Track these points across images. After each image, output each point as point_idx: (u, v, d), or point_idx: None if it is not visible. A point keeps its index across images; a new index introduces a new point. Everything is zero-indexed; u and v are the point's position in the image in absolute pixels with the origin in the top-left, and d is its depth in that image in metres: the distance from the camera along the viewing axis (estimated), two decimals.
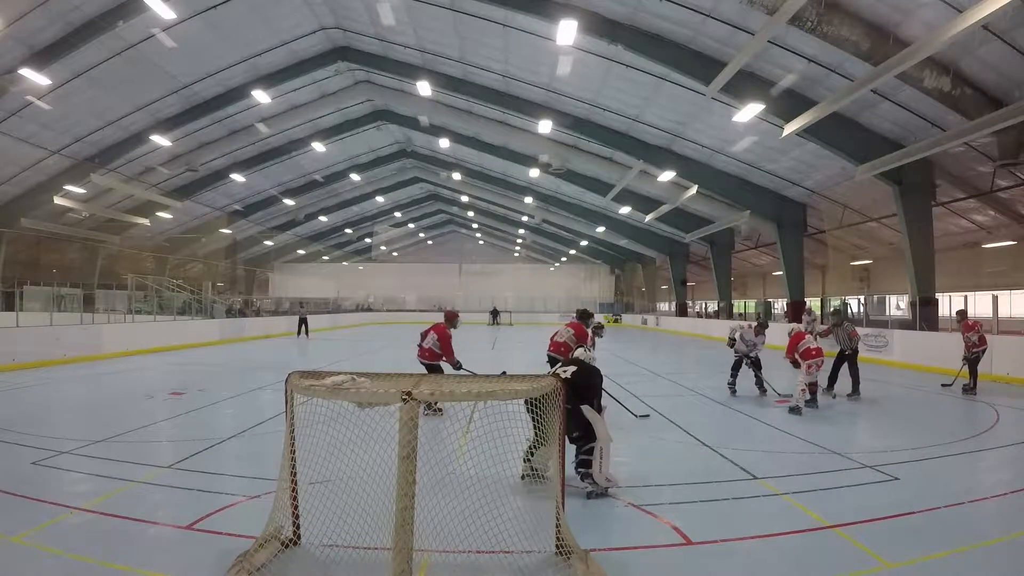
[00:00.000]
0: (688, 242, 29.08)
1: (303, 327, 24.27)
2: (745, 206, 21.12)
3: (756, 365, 9.52)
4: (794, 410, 7.94)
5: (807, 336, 8.62)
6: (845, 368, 9.51)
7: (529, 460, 4.47)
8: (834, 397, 9.28)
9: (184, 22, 15.46)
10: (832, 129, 14.24)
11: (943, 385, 10.30)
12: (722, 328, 25.29)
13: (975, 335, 9.74)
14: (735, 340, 9.64)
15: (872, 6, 10.60)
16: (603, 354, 7.75)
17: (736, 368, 9.68)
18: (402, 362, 12.31)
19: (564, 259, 49.41)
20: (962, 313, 10.42)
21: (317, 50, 19.47)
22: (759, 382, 9.48)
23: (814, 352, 8.26)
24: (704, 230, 25.21)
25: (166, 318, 21.15)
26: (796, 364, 8.44)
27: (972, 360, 9.75)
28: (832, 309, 9.75)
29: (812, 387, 8.24)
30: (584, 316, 8.06)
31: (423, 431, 3.06)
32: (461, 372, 7.17)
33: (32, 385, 10.07)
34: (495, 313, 38.30)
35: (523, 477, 4.50)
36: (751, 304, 37.21)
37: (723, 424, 7.55)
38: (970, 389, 9.70)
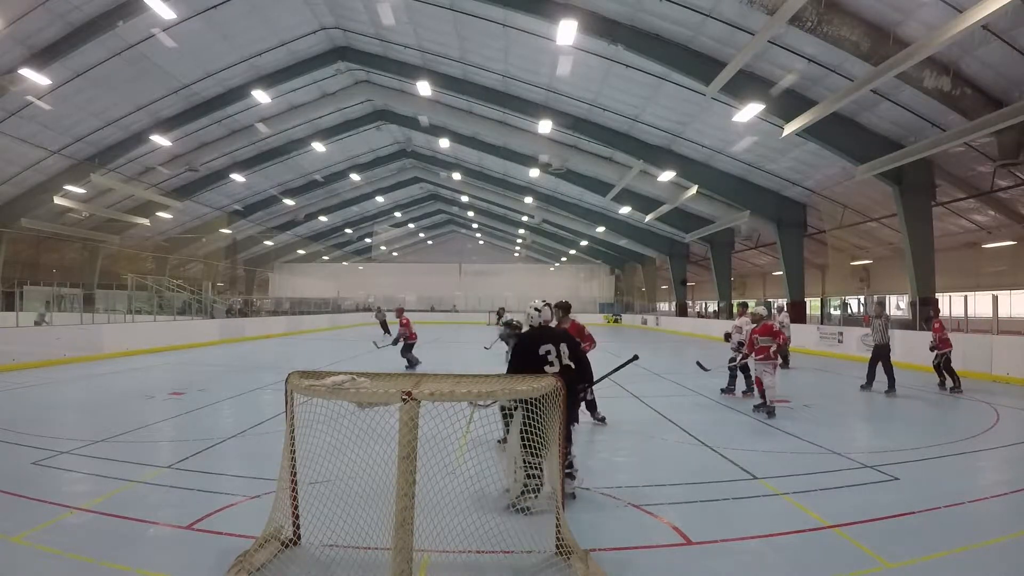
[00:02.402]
0: (688, 242, 29.08)
1: (387, 329, 20.85)
2: (745, 206, 21.12)
3: (745, 367, 9.30)
4: (771, 412, 7.62)
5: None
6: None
7: (526, 487, 4.00)
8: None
9: (184, 22, 15.47)
10: (832, 129, 14.24)
11: (950, 390, 9.90)
12: (721, 328, 25.31)
13: (938, 337, 9.84)
14: (729, 334, 9.93)
15: (872, 6, 10.60)
16: (603, 354, 7.69)
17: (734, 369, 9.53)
18: (402, 361, 12.34)
19: (564, 259, 49.43)
20: (937, 310, 10.79)
21: (317, 50, 19.48)
22: (747, 381, 9.37)
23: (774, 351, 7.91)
24: (704, 230, 25.21)
25: (166, 318, 21.16)
26: (751, 348, 7.90)
27: (945, 362, 9.83)
28: (876, 300, 9.78)
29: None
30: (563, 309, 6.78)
31: (423, 431, 3.06)
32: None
33: (32, 385, 10.07)
34: (501, 313, 38.34)
35: (520, 509, 3.98)
36: (751, 304, 37.18)
37: (723, 424, 7.54)
38: (955, 388, 9.68)
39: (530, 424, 3.57)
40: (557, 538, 3.42)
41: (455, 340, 23.76)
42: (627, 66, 15.19)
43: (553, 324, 5.13)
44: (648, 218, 26.32)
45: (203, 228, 33.81)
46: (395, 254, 52.28)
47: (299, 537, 3.60)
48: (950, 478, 5.17)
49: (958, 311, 13.82)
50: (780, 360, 10.58)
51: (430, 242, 53.11)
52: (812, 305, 24.64)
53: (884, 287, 27.19)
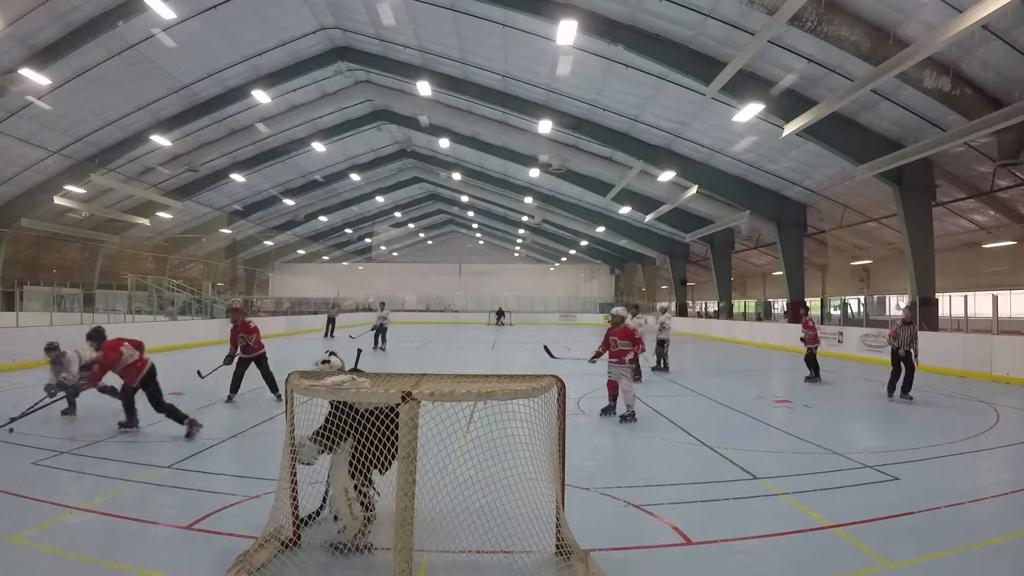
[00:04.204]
0: (688, 242, 29.08)
1: (331, 327, 24.06)
2: (745, 206, 21.12)
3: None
4: (626, 418, 7.22)
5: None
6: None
7: (367, 519, 3.59)
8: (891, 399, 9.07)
9: (184, 22, 15.46)
10: (832, 129, 14.25)
11: (806, 379, 11.25)
12: (722, 328, 25.32)
13: (809, 332, 11.08)
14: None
15: (872, 6, 10.60)
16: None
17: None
18: (402, 361, 12.36)
19: (564, 259, 49.42)
20: (806, 308, 12.41)
21: (317, 50, 19.47)
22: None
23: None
24: (704, 230, 25.21)
25: (166, 318, 21.14)
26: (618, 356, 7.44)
27: (811, 355, 11.12)
28: (907, 305, 9.36)
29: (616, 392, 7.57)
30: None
31: (423, 431, 3.06)
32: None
33: (32, 385, 10.05)
34: (500, 313, 38.46)
35: (362, 547, 3.52)
36: (751, 304, 37.22)
37: (723, 424, 7.55)
38: (813, 378, 11.02)
39: (364, 446, 3.37)
40: (557, 538, 3.42)
41: (460, 340, 23.75)
42: (627, 66, 15.19)
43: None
44: (648, 218, 26.31)
45: (203, 228, 33.80)
46: (395, 254, 52.25)
47: (299, 537, 3.60)
48: (950, 478, 5.17)
49: (958, 311, 13.82)
50: (662, 363, 12.71)
51: (430, 242, 53.08)
52: (812, 305, 24.59)
53: (884, 287, 27.17)
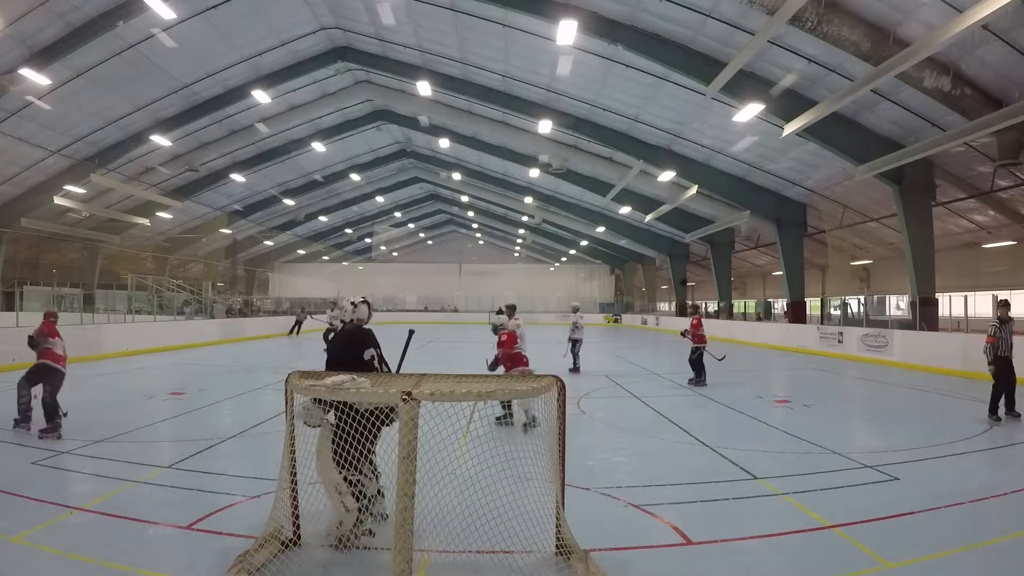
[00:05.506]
0: (688, 242, 29.08)
1: (297, 327, 25.07)
2: (745, 206, 21.12)
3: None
4: (529, 425, 6.44)
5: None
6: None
7: (361, 511, 3.63)
8: (999, 420, 7.29)
9: (184, 22, 15.45)
10: (832, 129, 14.24)
11: (690, 381, 10.73)
12: (722, 328, 25.30)
13: (692, 330, 10.79)
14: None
15: (872, 6, 10.60)
16: (604, 354, 7.73)
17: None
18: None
19: (564, 259, 49.42)
20: (695, 308, 11.45)
21: (317, 50, 19.47)
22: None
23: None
24: (704, 230, 25.21)
25: (166, 318, 21.16)
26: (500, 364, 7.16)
27: (697, 357, 10.61)
28: (1002, 301, 7.62)
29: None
30: None
31: (423, 431, 3.06)
32: None
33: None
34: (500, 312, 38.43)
35: (365, 532, 3.61)
36: (751, 304, 37.24)
37: (723, 424, 7.55)
38: (698, 382, 10.53)
39: (344, 436, 3.38)
40: (557, 538, 3.42)
41: (460, 340, 23.75)
42: (627, 66, 15.19)
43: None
44: (648, 218, 26.32)
45: (203, 228, 33.79)
46: (395, 254, 52.25)
47: (299, 537, 3.60)
48: (950, 478, 5.17)
49: (958, 311, 13.82)
50: (574, 363, 12.47)
51: (430, 242, 53.08)
52: (812, 305, 24.62)
53: (884, 287, 27.19)
